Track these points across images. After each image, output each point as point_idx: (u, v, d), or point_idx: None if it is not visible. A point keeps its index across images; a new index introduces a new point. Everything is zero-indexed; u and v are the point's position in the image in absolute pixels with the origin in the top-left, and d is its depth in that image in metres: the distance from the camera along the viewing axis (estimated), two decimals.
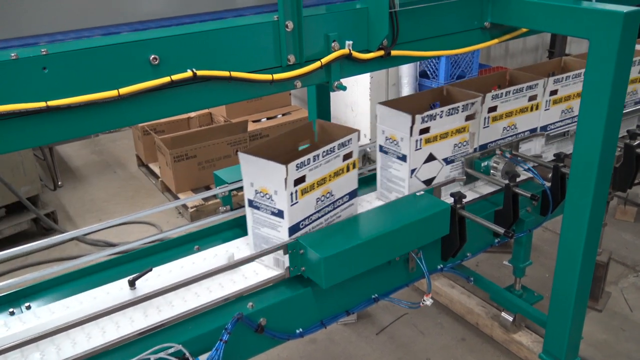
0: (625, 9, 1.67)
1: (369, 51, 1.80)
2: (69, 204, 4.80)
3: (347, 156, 1.97)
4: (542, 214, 2.43)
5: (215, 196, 2.26)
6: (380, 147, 2.24)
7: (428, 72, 4.89)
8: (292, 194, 1.77)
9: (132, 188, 5.07)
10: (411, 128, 2.05)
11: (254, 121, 5.22)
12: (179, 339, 1.65)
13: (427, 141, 2.14)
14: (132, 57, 1.38)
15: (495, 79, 2.58)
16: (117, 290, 1.87)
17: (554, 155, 2.36)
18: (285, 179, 1.73)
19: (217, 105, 1.64)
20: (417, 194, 2.13)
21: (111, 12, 1.45)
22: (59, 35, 1.38)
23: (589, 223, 1.94)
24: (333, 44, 1.70)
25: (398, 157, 2.16)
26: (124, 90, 1.36)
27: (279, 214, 1.81)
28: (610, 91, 1.74)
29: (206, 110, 5.30)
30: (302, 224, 1.88)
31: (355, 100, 4.98)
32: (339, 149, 1.92)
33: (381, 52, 1.81)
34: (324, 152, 1.86)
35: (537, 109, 2.46)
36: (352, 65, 1.79)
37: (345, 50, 1.72)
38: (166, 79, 1.41)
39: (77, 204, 4.79)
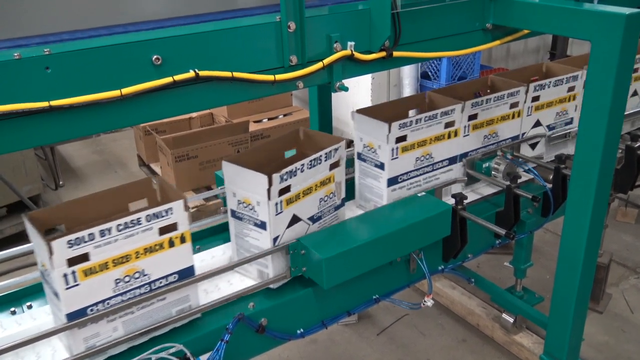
0: (627, 10, 1.67)
1: (371, 52, 1.80)
2: None
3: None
4: (543, 216, 2.43)
5: (216, 196, 2.26)
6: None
7: (429, 74, 4.90)
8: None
9: None
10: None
11: (255, 122, 5.22)
12: (180, 339, 1.66)
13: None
14: (134, 57, 1.38)
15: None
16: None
17: (555, 156, 2.36)
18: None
19: (219, 105, 1.65)
20: (419, 195, 2.13)
21: (114, 12, 1.45)
22: (62, 35, 1.38)
23: (590, 225, 1.94)
24: (335, 45, 1.70)
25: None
26: (126, 91, 1.36)
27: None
28: (612, 93, 1.74)
29: (207, 111, 5.30)
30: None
31: (357, 101, 4.98)
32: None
33: (383, 53, 1.81)
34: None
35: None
36: (354, 66, 1.79)
37: (347, 51, 1.72)
38: (169, 79, 1.42)
39: None
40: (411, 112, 2.29)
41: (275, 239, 1.79)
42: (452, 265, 2.26)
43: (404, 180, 2.12)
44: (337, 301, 1.98)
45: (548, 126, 2.54)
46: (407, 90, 4.84)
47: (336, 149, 1.90)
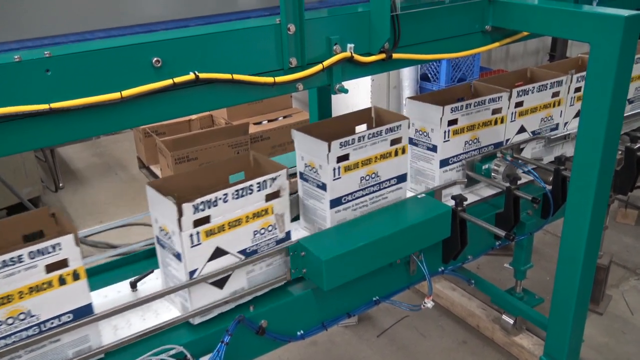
0: (626, 12, 1.67)
1: (370, 54, 1.81)
2: (70, 206, 4.81)
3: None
4: (543, 217, 2.43)
5: None
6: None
7: (429, 75, 4.90)
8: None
9: (133, 190, 5.07)
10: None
11: (255, 123, 5.23)
12: (180, 341, 1.66)
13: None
14: (134, 59, 1.38)
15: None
16: (116, 292, 1.87)
17: (555, 158, 2.36)
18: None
19: (219, 107, 1.65)
20: (419, 196, 2.13)
21: (114, 15, 1.46)
22: (62, 37, 1.39)
23: (590, 226, 1.94)
24: (335, 47, 1.71)
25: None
26: (126, 93, 1.36)
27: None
28: (611, 94, 1.74)
29: (207, 113, 5.31)
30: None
31: (356, 102, 4.98)
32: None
33: (383, 55, 1.81)
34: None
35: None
36: (353, 68, 1.79)
37: (347, 53, 1.72)
38: (169, 82, 1.42)
39: (78, 206, 4.80)
40: (359, 128, 2.17)
41: (192, 272, 1.66)
42: (452, 266, 2.27)
43: (348, 201, 1.99)
44: (337, 303, 1.98)
45: (533, 132, 2.52)
46: (407, 92, 4.84)
47: (273, 179, 1.74)
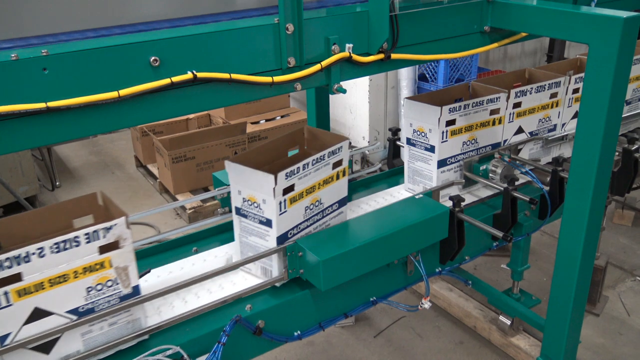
0: (624, 14, 1.68)
1: (369, 54, 1.80)
2: None
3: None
4: (540, 218, 2.43)
5: (213, 198, 2.25)
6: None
7: (427, 75, 4.90)
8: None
9: (130, 189, 5.06)
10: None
11: (252, 123, 5.22)
12: (177, 341, 1.65)
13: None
14: (132, 58, 1.38)
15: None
16: None
17: (553, 159, 2.37)
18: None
19: (217, 107, 1.64)
20: (416, 197, 2.13)
21: (112, 14, 1.45)
22: (59, 36, 1.38)
23: (587, 227, 1.94)
24: (333, 47, 1.70)
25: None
26: (124, 92, 1.36)
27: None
28: (610, 95, 1.74)
29: (205, 112, 5.30)
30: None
31: (354, 102, 4.98)
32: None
33: (381, 56, 1.81)
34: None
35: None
36: (352, 68, 1.79)
37: (346, 53, 1.72)
38: (166, 81, 1.41)
39: None
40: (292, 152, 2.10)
41: (4, 337, 1.42)
42: (449, 267, 2.27)
43: (294, 235, 1.85)
44: (334, 303, 1.98)
45: (531, 133, 2.52)
46: (405, 92, 4.84)
47: (107, 228, 1.50)
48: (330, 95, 2.20)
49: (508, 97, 2.35)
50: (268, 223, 1.79)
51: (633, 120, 2.89)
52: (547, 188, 2.32)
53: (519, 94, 2.39)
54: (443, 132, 2.20)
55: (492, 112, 2.34)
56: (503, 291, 2.92)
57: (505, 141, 2.45)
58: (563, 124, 2.62)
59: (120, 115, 1.41)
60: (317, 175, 1.86)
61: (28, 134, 1.31)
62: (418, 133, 2.27)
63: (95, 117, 1.37)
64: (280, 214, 1.77)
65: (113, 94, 1.35)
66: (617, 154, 2.53)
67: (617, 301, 3.33)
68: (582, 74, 2.53)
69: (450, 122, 2.21)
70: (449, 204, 2.09)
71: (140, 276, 1.85)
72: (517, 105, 2.41)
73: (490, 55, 6.21)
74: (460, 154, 2.31)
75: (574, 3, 2.20)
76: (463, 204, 2.09)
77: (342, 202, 2.03)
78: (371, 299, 2.07)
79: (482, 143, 2.37)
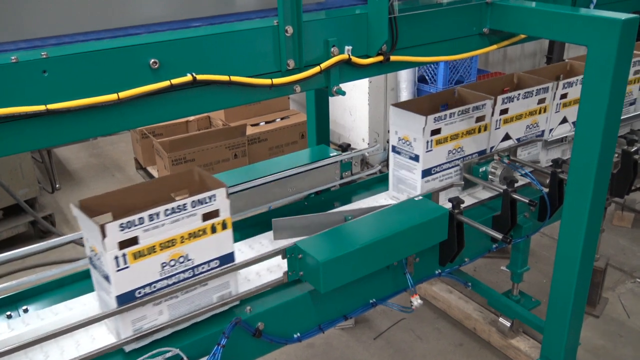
0: (623, 16, 1.68)
1: (368, 56, 1.81)
2: (66, 207, 4.79)
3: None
4: (539, 220, 2.43)
5: None
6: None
7: (427, 77, 4.91)
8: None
9: None
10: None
11: (252, 125, 5.22)
12: (177, 343, 1.65)
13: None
14: (132, 61, 1.38)
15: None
16: None
17: (552, 160, 2.37)
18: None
19: (216, 109, 1.65)
20: (416, 199, 2.13)
21: (112, 16, 1.45)
22: (59, 38, 1.38)
23: (587, 229, 1.94)
24: (332, 49, 1.71)
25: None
26: (123, 94, 1.36)
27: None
28: (609, 97, 1.74)
29: (204, 114, 5.30)
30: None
31: (354, 104, 4.99)
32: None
33: (380, 58, 1.81)
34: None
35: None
36: (351, 71, 1.79)
37: (345, 56, 1.72)
38: (166, 83, 1.41)
39: None
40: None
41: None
42: (449, 269, 2.27)
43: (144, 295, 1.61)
44: (334, 305, 1.97)
45: (518, 139, 2.49)
46: (404, 94, 4.84)
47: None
48: (330, 97, 2.20)
49: (495, 104, 2.32)
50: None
51: (631, 122, 2.89)
52: (546, 190, 2.32)
53: (506, 100, 2.34)
54: (428, 142, 2.17)
55: (478, 119, 2.30)
56: (503, 293, 2.93)
57: (492, 148, 2.42)
58: (550, 130, 2.60)
59: (120, 117, 1.41)
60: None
61: (28, 136, 1.31)
62: (403, 141, 2.24)
63: (95, 119, 1.37)
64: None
65: (113, 96, 1.35)
66: (616, 155, 2.53)
67: (616, 303, 3.33)
68: (570, 79, 2.52)
69: (436, 131, 2.18)
70: (449, 205, 2.09)
71: None
72: (504, 111, 2.36)
73: (490, 57, 6.21)
74: (446, 162, 2.28)
75: (572, 5, 2.20)
76: (462, 205, 2.09)
77: (224, 260, 1.75)
78: (371, 301, 2.06)
79: (468, 151, 2.34)
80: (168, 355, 1.60)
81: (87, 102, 1.32)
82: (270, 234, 2.14)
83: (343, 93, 1.76)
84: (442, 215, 2.01)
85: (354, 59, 1.75)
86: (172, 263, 1.62)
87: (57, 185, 5.04)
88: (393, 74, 4.86)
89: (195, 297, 1.70)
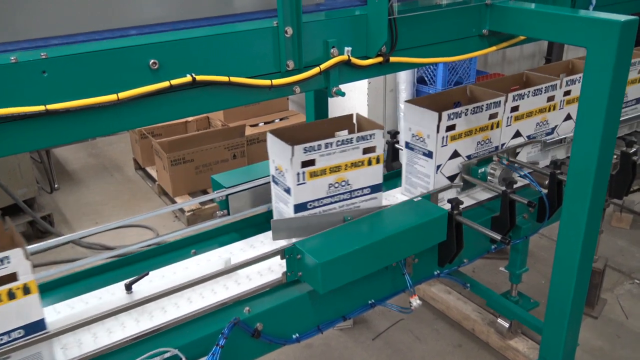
0: (622, 17, 1.68)
1: (367, 57, 1.81)
2: (65, 207, 4.79)
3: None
4: (538, 221, 2.43)
5: (212, 200, 2.26)
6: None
7: (426, 79, 4.91)
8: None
9: (129, 191, 5.06)
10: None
11: (251, 125, 5.23)
12: (175, 344, 1.65)
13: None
14: (131, 61, 1.38)
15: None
16: (110, 294, 1.87)
17: (551, 162, 2.37)
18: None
19: (216, 110, 1.65)
20: (415, 199, 2.13)
21: (111, 16, 1.45)
22: (58, 39, 1.38)
23: (586, 230, 1.95)
24: (332, 50, 1.71)
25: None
26: (123, 95, 1.36)
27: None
28: (608, 99, 1.75)
29: (203, 115, 5.30)
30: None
31: (353, 105, 4.99)
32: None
33: (380, 59, 1.81)
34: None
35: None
36: (350, 71, 1.79)
37: (344, 57, 1.72)
38: (165, 84, 1.41)
39: (74, 207, 4.79)
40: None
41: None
42: (447, 270, 2.27)
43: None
44: (332, 306, 1.97)
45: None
46: (403, 95, 4.85)
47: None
48: (329, 98, 2.20)
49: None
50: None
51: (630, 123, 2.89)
52: (545, 191, 2.33)
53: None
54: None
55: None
56: (501, 294, 2.93)
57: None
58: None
59: (119, 118, 1.41)
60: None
61: (27, 137, 1.31)
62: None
63: (94, 119, 1.37)
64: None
65: (112, 97, 1.35)
66: (615, 156, 2.54)
67: (615, 304, 3.34)
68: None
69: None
70: (448, 206, 2.09)
71: (138, 279, 1.86)
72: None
73: (489, 58, 6.22)
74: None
75: (572, 6, 2.21)
76: (461, 206, 2.09)
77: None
78: (369, 302, 2.06)
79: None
80: (167, 355, 1.60)
81: (87, 102, 1.32)
82: (269, 233, 2.14)
83: (342, 94, 1.77)
84: (441, 216, 2.02)
85: (354, 60, 1.75)
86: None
87: (55, 186, 5.04)
88: (392, 75, 4.86)
89: None
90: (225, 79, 1.51)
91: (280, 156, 1.96)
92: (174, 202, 4.58)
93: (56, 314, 1.78)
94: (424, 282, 2.28)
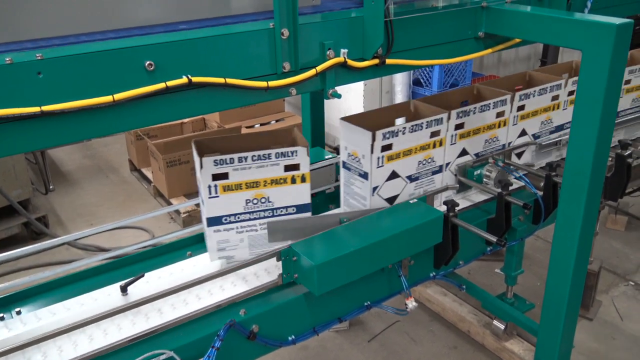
0: (617, 20, 1.69)
1: (363, 59, 1.81)
2: (60, 208, 4.78)
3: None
4: (534, 223, 2.44)
5: None
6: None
7: (421, 80, 4.92)
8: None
9: (124, 193, 5.05)
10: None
11: (247, 127, 5.22)
12: (171, 346, 1.65)
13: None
14: (127, 62, 1.38)
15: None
16: (106, 296, 1.86)
17: (546, 164, 2.37)
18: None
19: (212, 111, 1.64)
20: (411, 201, 2.14)
21: (107, 18, 1.45)
22: (54, 40, 1.38)
23: (581, 232, 1.95)
24: (328, 52, 1.71)
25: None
26: (118, 96, 1.36)
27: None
28: (603, 101, 1.75)
29: (199, 116, 5.29)
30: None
31: (349, 107, 4.99)
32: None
33: (376, 61, 1.81)
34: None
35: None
36: (347, 73, 1.79)
37: (340, 59, 1.72)
38: (161, 85, 1.41)
39: (69, 209, 4.77)
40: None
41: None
42: (443, 272, 2.27)
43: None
44: (328, 308, 1.97)
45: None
46: (399, 97, 4.86)
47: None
48: (325, 100, 2.20)
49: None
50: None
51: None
52: (540, 193, 2.33)
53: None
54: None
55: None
56: (497, 296, 2.93)
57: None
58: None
59: (115, 119, 1.40)
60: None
61: (22, 138, 1.30)
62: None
63: (89, 121, 1.37)
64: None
65: (108, 98, 1.35)
66: (610, 159, 2.55)
67: (610, 306, 3.34)
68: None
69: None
70: (444, 208, 2.09)
71: (134, 281, 1.85)
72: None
73: (485, 60, 6.24)
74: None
75: (567, 9, 2.21)
76: (457, 208, 2.10)
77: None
78: (365, 304, 2.06)
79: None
80: (162, 357, 1.60)
81: (82, 103, 1.32)
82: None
83: (339, 96, 1.77)
84: (436, 218, 2.02)
85: (350, 62, 1.75)
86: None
87: (50, 187, 5.02)
88: (388, 76, 4.87)
89: None
90: (221, 80, 1.51)
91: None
92: (169, 203, 4.57)
93: (52, 315, 1.77)
94: (419, 284, 2.28)
